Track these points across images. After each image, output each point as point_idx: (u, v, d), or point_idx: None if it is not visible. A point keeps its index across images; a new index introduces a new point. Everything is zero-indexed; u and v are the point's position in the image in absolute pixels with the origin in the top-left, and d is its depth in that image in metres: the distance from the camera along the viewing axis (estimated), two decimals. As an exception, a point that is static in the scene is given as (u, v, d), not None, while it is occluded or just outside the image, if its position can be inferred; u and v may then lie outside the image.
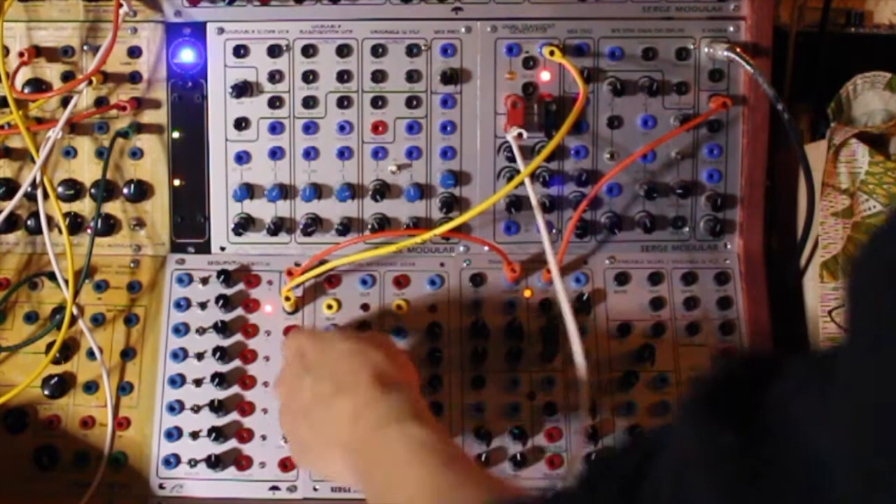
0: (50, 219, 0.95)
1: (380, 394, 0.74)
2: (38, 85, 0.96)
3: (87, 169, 0.97)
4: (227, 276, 0.95)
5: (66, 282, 0.92)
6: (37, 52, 0.96)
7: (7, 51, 0.95)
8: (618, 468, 0.46)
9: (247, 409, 0.92)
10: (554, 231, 0.97)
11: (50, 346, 0.91)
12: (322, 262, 0.95)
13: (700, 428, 0.40)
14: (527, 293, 0.95)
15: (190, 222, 0.98)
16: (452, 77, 0.96)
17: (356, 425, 0.74)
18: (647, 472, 0.44)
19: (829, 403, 0.35)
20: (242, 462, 0.91)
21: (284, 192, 0.97)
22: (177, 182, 0.97)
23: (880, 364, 0.31)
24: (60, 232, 0.94)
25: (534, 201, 0.91)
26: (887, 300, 0.32)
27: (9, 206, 0.94)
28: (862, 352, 0.33)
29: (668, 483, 0.41)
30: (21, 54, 0.95)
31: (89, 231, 0.95)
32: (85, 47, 0.96)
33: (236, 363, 0.93)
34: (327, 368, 0.78)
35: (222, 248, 0.97)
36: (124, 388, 0.93)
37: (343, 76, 0.96)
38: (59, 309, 0.94)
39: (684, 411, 0.42)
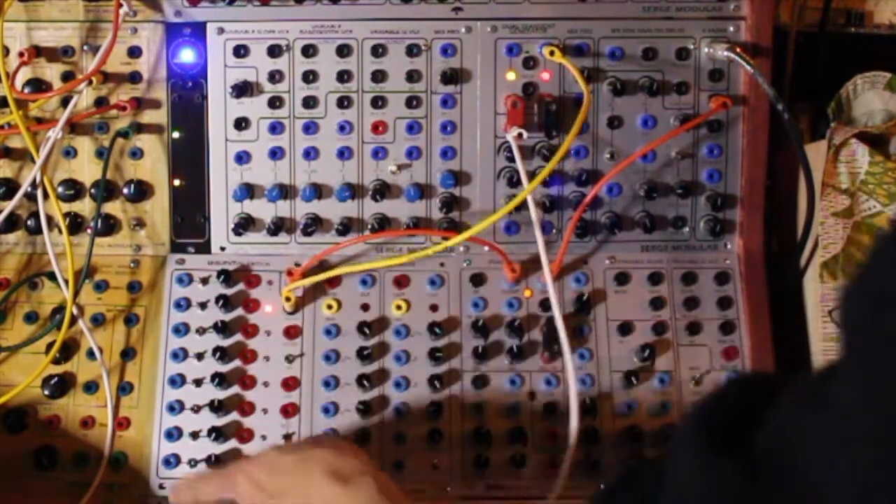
0: (50, 219, 0.95)
1: (341, 489, 0.73)
2: (38, 85, 0.96)
3: (87, 169, 0.97)
4: (227, 276, 0.95)
5: (66, 282, 0.92)
6: (37, 52, 0.96)
7: (7, 51, 0.95)
8: (620, 501, 0.46)
9: (247, 409, 0.92)
10: (554, 231, 0.97)
11: (50, 346, 0.91)
12: (323, 264, 0.95)
13: (698, 460, 0.39)
14: (527, 293, 0.95)
15: (190, 222, 0.98)
16: (452, 77, 0.96)
17: None
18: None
19: (824, 433, 0.34)
20: (242, 462, 0.91)
21: (284, 192, 0.97)
22: (177, 182, 0.97)
23: (874, 397, 0.31)
24: (60, 232, 0.94)
25: (534, 217, 0.91)
26: (878, 330, 0.32)
27: (9, 206, 0.94)
28: (855, 382, 0.33)
29: None
30: (21, 54, 0.95)
31: (89, 231, 0.95)
32: (85, 47, 0.96)
33: (236, 363, 0.93)
34: (285, 488, 0.76)
35: (222, 248, 0.97)
36: (124, 388, 0.93)
37: (343, 76, 0.96)
38: (59, 309, 0.94)
39: (682, 441, 0.41)
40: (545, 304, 0.94)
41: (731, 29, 0.96)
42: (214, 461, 0.90)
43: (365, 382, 0.92)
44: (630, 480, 0.48)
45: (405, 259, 0.94)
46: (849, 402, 0.33)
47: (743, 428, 0.39)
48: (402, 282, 0.96)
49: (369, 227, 0.96)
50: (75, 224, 0.97)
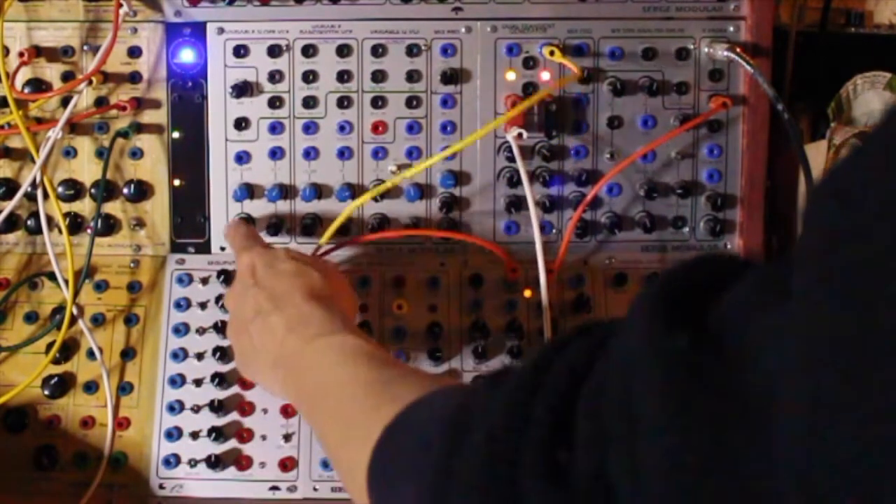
0: (50, 219, 0.95)
1: (310, 309, 0.76)
2: (38, 85, 0.96)
3: (87, 169, 0.97)
4: (227, 276, 0.95)
5: (66, 282, 0.92)
6: (37, 52, 0.96)
7: (7, 51, 0.95)
8: (567, 358, 0.45)
9: (247, 409, 0.92)
10: (554, 231, 0.97)
11: (50, 346, 0.91)
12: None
13: (653, 326, 0.39)
14: (527, 293, 0.95)
15: (190, 222, 0.98)
16: (452, 77, 0.96)
17: (286, 339, 0.75)
18: (596, 364, 0.43)
19: (781, 321, 0.34)
20: (242, 462, 0.91)
21: (284, 192, 0.97)
22: (177, 182, 0.97)
23: (831, 293, 0.31)
24: (60, 232, 0.94)
25: (533, 217, 0.91)
26: (837, 226, 0.32)
27: (9, 206, 0.94)
28: (813, 279, 0.33)
29: (615, 377, 0.40)
30: (21, 54, 0.95)
31: (89, 231, 0.95)
32: (85, 47, 0.96)
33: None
34: (268, 284, 0.80)
35: (222, 249, 0.97)
36: (124, 388, 0.93)
37: (343, 76, 0.96)
38: (59, 309, 0.94)
39: (638, 306, 0.41)
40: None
41: (731, 29, 0.96)
42: (214, 461, 0.90)
43: (365, 382, 0.92)
44: (585, 333, 0.47)
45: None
46: (807, 296, 0.33)
47: (704, 303, 0.39)
48: (401, 282, 0.96)
49: (369, 227, 0.96)
50: (75, 224, 0.97)
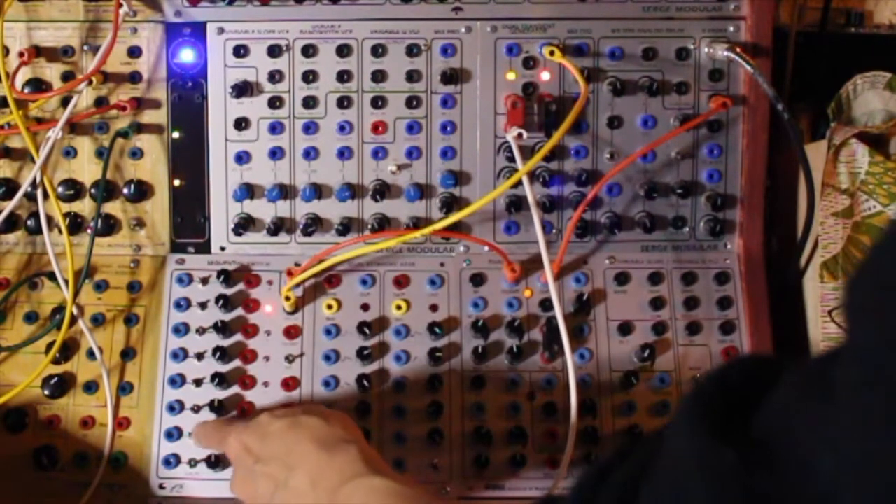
0: (50, 219, 0.95)
1: (326, 457, 0.74)
2: (38, 85, 0.96)
3: (87, 169, 0.97)
4: (227, 276, 0.95)
5: (66, 282, 0.92)
6: (37, 52, 0.96)
7: (7, 51, 0.95)
8: (614, 480, 0.45)
9: (247, 409, 0.92)
10: (554, 231, 0.97)
11: (50, 346, 0.91)
12: (322, 262, 0.95)
13: (695, 443, 0.38)
14: (527, 293, 0.95)
15: (190, 222, 0.98)
16: (452, 77, 0.96)
17: (316, 492, 0.73)
18: (643, 486, 0.42)
19: (823, 417, 0.34)
20: (242, 462, 0.91)
21: (284, 192, 0.97)
22: (177, 182, 0.97)
23: (880, 388, 0.31)
24: (60, 232, 0.94)
25: (531, 201, 0.91)
26: (886, 323, 0.31)
27: (9, 206, 0.94)
28: (861, 373, 0.32)
29: (665, 498, 0.40)
30: (21, 54, 0.95)
31: (89, 231, 0.95)
32: (85, 47, 0.96)
33: (236, 363, 0.93)
34: (271, 453, 0.78)
35: (222, 248, 0.97)
36: (124, 388, 0.93)
37: (343, 76, 0.96)
38: (59, 309, 0.94)
39: (681, 422, 0.40)
40: (545, 304, 0.94)
41: (731, 29, 0.96)
42: (214, 461, 0.90)
43: (365, 382, 0.92)
44: (625, 456, 0.47)
45: (392, 243, 0.93)
46: (850, 386, 0.32)
47: (743, 411, 0.38)
48: (402, 282, 0.96)
49: (369, 227, 0.96)
50: (75, 224, 0.97)
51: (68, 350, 0.94)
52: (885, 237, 0.34)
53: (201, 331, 0.94)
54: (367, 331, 0.93)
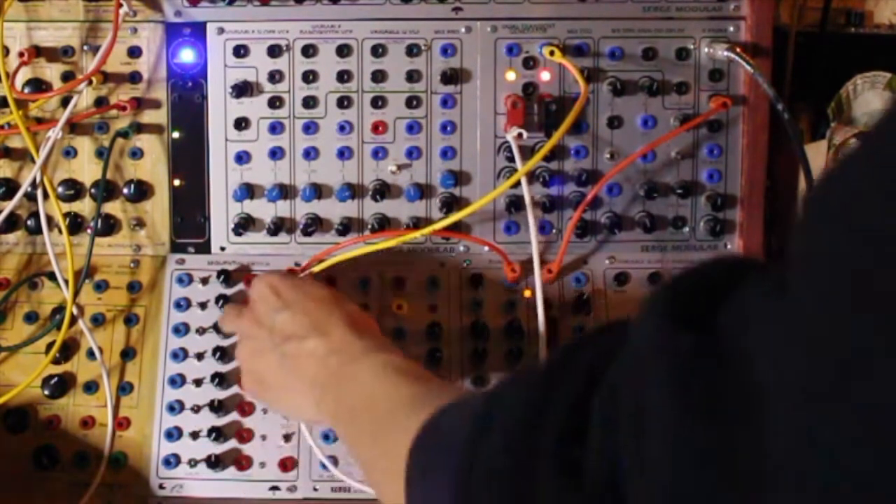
0: (50, 219, 0.95)
1: (353, 337, 0.77)
2: (38, 85, 0.96)
3: (87, 169, 0.97)
4: (227, 277, 0.95)
5: (66, 282, 0.92)
6: (37, 52, 0.96)
7: (7, 51, 0.95)
8: (585, 357, 0.47)
9: (247, 409, 0.92)
10: (554, 231, 0.97)
11: (50, 346, 0.91)
12: (322, 262, 0.95)
13: (661, 327, 0.40)
14: (527, 293, 0.95)
15: (190, 222, 0.98)
16: (452, 77, 0.96)
17: (327, 362, 0.76)
18: (611, 364, 0.44)
19: (774, 319, 0.35)
20: (242, 462, 0.91)
21: (284, 192, 0.97)
22: (177, 182, 0.97)
23: (819, 294, 0.32)
24: (60, 232, 0.94)
25: (528, 202, 0.91)
26: (832, 231, 0.33)
27: (9, 206, 0.94)
28: (803, 279, 0.34)
29: (626, 377, 0.42)
30: (21, 54, 0.95)
31: (89, 231, 0.95)
32: (85, 47, 0.96)
33: (236, 363, 0.93)
34: (302, 308, 0.80)
35: (222, 248, 0.97)
36: (124, 388, 0.93)
37: (343, 76, 0.96)
38: (59, 309, 0.94)
39: (649, 308, 0.42)
40: (545, 305, 0.94)
41: (731, 29, 0.96)
42: (214, 461, 0.90)
43: (365, 382, 0.92)
44: (604, 333, 0.49)
45: (392, 243, 0.93)
46: (800, 291, 0.34)
47: (711, 305, 0.40)
48: (401, 282, 0.96)
49: (369, 227, 0.96)
50: (75, 224, 0.97)
51: (68, 350, 0.94)
52: (838, 161, 0.36)
53: (201, 331, 0.94)
54: (367, 331, 0.93)
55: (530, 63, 0.96)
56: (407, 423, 0.60)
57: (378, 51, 0.96)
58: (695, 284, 0.42)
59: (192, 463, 0.91)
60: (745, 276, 0.40)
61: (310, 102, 0.96)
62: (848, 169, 0.34)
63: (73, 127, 0.96)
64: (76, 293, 0.92)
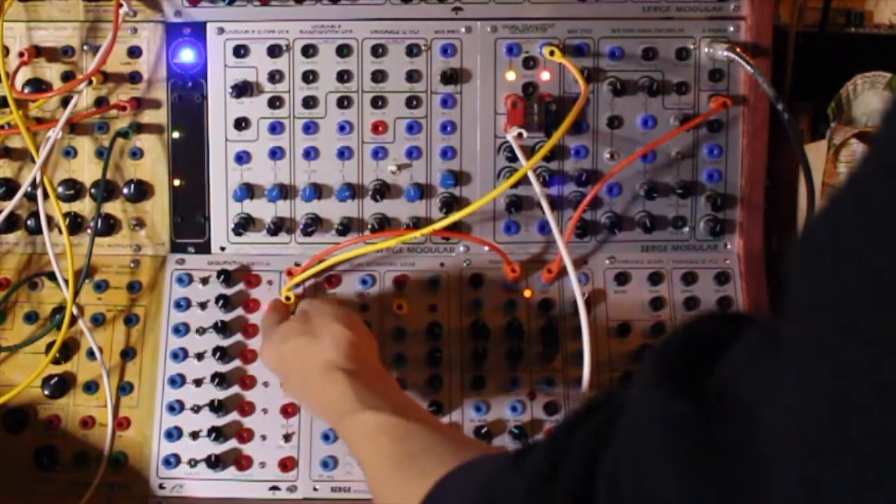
0: (50, 219, 0.95)
1: (350, 391, 0.77)
2: (38, 85, 0.96)
3: (87, 169, 0.97)
4: (227, 276, 0.95)
5: (66, 282, 0.92)
6: (37, 52, 0.96)
7: (7, 51, 0.94)
8: (583, 440, 0.47)
9: (247, 409, 0.92)
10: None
11: (50, 346, 0.91)
12: (322, 262, 0.95)
13: (657, 395, 0.40)
14: (527, 293, 0.95)
15: (190, 222, 0.98)
16: (452, 77, 0.96)
17: (325, 410, 0.80)
18: (610, 443, 0.44)
19: (773, 376, 0.35)
20: (242, 462, 0.91)
21: (284, 192, 0.97)
22: (177, 182, 0.97)
23: (820, 343, 0.32)
24: (60, 232, 0.94)
25: (540, 193, 0.91)
26: (819, 284, 0.33)
27: (9, 206, 0.94)
28: (800, 335, 0.34)
29: (627, 454, 0.42)
30: (21, 54, 0.95)
31: (89, 231, 0.95)
32: (85, 47, 0.96)
33: (236, 363, 0.93)
34: (286, 369, 0.85)
35: (222, 248, 0.97)
36: (124, 388, 0.93)
37: (343, 76, 0.96)
38: (59, 309, 0.94)
39: (644, 375, 0.42)
40: (545, 305, 0.94)
41: (731, 29, 0.96)
42: (214, 461, 0.90)
43: (365, 382, 0.92)
44: (592, 411, 0.49)
45: (392, 243, 0.93)
46: (793, 343, 0.34)
47: (704, 366, 0.40)
48: (401, 282, 0.96)
49: (369, 227, 0.96)
50: (75, 224, 0.97)
51: (68, 350, 0.94)
52: (824, 205, 0.35)
53: (201, 331, 0.94)
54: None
55: (530, 63, 0.96)
56: (399, 495, 0.63)
57: (378, 51, 0.96)
58: (685, 347, 0.42)
59: (192, 463, 0.91)
60: (735, 333, 0.40)
61: (310, 102, 0.96)
62: (835, 212, 0.34)
63: (73, 127, 0.96)
64: (76, 293, 0.92)
